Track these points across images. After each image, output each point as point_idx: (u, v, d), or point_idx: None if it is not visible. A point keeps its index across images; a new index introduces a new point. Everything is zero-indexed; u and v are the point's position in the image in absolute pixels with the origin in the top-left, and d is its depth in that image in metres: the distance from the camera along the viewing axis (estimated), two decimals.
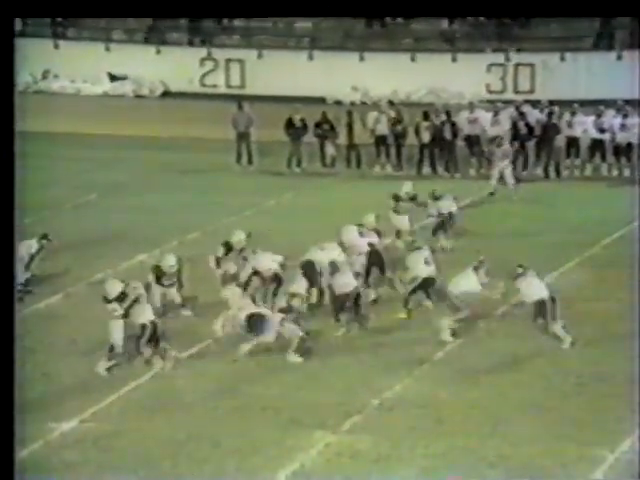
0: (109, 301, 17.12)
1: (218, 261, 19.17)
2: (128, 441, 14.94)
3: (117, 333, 16.75)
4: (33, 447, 14.70)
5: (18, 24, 32.65)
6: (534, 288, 17.53)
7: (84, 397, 16.09)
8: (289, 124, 27.47)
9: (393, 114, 27.78)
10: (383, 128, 27.49)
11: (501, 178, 25.12)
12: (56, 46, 33.23)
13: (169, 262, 18.59)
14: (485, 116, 27.51)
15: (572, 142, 26.84)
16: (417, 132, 27.24)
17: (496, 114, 27.40)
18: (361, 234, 19.67)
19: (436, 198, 21.70)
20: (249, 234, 19.36)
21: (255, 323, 17.06)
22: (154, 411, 15.75)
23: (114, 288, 17.20)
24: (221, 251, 19.22)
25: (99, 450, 14.73)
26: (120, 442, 14.92)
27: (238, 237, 19.32)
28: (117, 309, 16.90)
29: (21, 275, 19.50)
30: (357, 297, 17.90)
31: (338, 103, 31.50)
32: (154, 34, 33.49)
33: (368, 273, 19.25)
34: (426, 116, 27.34)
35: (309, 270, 18.53)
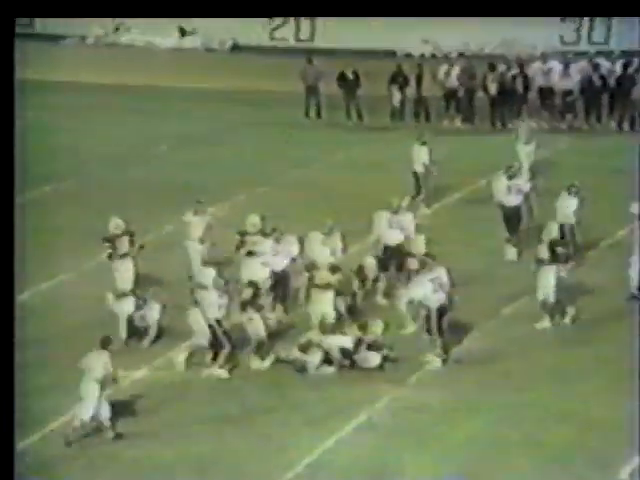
0: None
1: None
2: None
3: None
4: None
5: None
6: None
7: None
8: (341, 78, 27.35)
9: (463, 66, 27.44)
10: (453, 81, 27.25)
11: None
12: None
13: (252, 220, 17.28)
14: (559, 67, 27.09)
15: None
16: (484, 85, 26.95)
17: (566, 67, 26.98)
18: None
19: None
20: (263, 217, 17.29)
21: None
22: None
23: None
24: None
25: None
26: None
27: (252, 220, 17.22)
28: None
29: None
30: None
31: (408, 56, 31.26)
32: None
33: None
34: (492, 67, 27.02)
35: None
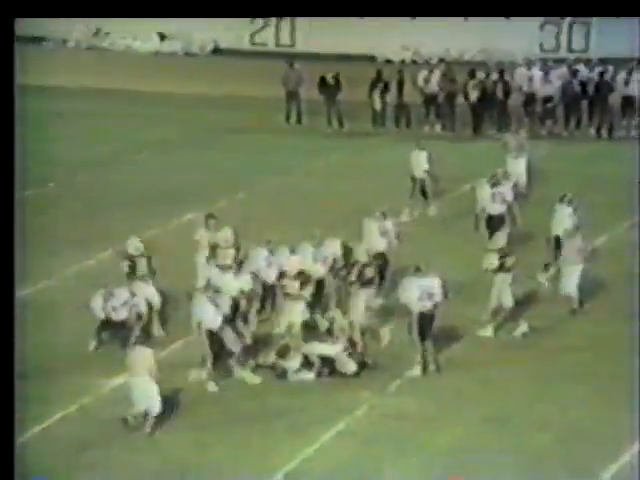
0: None
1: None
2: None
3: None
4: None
5: None
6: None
7: None
8: (322, 83, 27.42)
9: (444, 71, 27.52)
10: (433, 87, 27.33)
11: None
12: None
13: (224, 235, 17.12)
14: (539, 74, 27.22)
15: (628, 101, 26.57)
16: (465, 91, 27.05)
17: (547, 73, 27.12)
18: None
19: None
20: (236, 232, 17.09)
21: None
22: None
23: None
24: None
25: None
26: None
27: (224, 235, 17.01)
28: None
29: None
30: None
31: (388, 62, 31.38)
32: None
33: None
34: (473, 75, 27.11)
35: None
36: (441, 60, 29.26)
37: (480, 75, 27.20)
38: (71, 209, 22.09)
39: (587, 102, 26.98)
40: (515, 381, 15.64)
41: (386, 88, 27.27)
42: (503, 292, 16.84)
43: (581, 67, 27.51)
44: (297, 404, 15.05)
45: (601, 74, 26.87)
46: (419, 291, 15.67)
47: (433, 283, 15.77)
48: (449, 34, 31.64)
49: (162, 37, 33.57)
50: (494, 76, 27.24)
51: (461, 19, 31.74)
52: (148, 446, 14.13)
